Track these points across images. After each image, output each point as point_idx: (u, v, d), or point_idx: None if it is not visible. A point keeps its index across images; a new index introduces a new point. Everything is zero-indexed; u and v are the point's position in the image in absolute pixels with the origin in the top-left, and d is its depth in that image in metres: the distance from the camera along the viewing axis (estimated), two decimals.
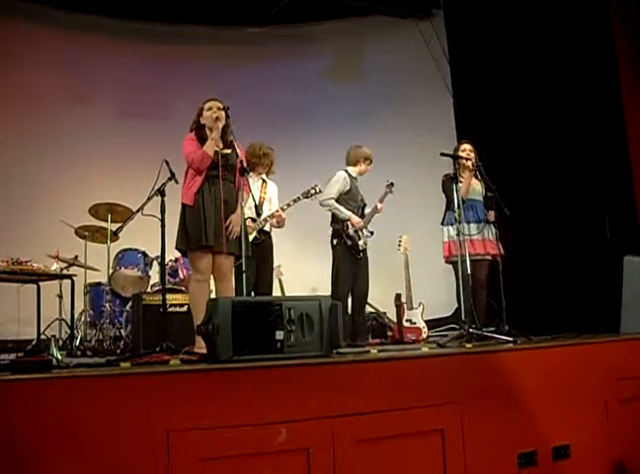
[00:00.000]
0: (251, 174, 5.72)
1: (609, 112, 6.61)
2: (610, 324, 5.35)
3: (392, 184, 6.68)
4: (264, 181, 6.22)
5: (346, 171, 6.49)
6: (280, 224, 6.13)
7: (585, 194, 6.65)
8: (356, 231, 6.30)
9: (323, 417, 3.18)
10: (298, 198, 6.13)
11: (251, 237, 5.85)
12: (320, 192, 6.20)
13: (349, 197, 6.43)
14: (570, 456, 3.88)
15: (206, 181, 4.73)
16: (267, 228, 6.14)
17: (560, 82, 7.06)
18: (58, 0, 8.92)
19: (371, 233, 6.45)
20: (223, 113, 4.83)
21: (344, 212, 6.34)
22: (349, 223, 6.32)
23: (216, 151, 4.74)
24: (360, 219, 6.36)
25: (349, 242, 6.29)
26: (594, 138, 6.71)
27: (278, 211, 6.03)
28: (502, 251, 5.86)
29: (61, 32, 8.99)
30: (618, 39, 6.60)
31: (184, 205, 4.74)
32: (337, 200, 6.37)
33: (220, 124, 4.78)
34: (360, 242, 6.30)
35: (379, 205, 6.55)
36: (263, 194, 6.14)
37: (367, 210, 6.54)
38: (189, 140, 4.85)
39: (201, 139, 4.81)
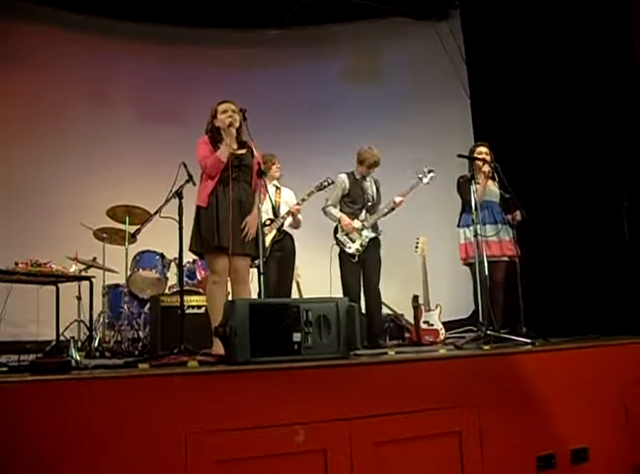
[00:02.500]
0: None
1: (628, 112, 6.56)
2: (631, 326, 5.31)
3: (431, 171, 6.48)
4: (277, 187, 6.29)
5: (348, 173, 6.48)
6: (296, 224, 6.20)
7: (603, 195, 6.61)
8: (347, 234, 6.27)
9: (340, 419, 3.18)
10: (312, 192, 6.17)
11: (271, 236, 5.91)
12: (332, 182, 6.20)
13: (349, 200, 6.41)
14: (589, 459, 3.85)
15: (220, 182, 4.71)
16: (287, 229, 6.19)
17: (578, 82, 7.01)
18: (75, 4, 8.98)
19: (376, 233, 6.35)
20: (237, 115, 4.82)
21: (334, 215, 6.36)
22: (339, 227, 6.32)
23: (230, 152, 4.73)
24: (349, 222, 6.28)
25: (337, 248, 6.32)
26: (612, 139, 6.66)
27: (294, 207, 6.10)
28: (519, 252, 5.83)
29: (78, 36, 9.03)
30: (639, 41, 6.56)
31: (198, 207, 4.75)
32: (341, 203, 6.41)
33: (233, 129, 4.78)
34: (355, 245, 6.25)
35: (398, 199, 6.38)
36: (277, 198, 6.21)
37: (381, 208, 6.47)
38: (202, 144, 4.84)
39: (215, 142, 4.81)
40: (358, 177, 6.47)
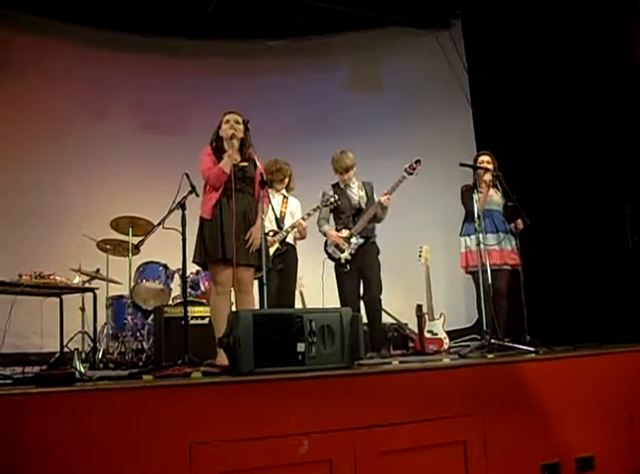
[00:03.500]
0: (270, 190, 5.63)
1: (630, 119, 6.57)
2: (634, 334, 5.30)
3: (417, 162, 6.22)
4: (284, 197, 6.29)
5: (333, 184, 6.43)
6: (302, 235, 6.19)
7: (606, 202, 6.61)
8: (336, 246, 6.23)
9: (345, 428, 3.18)
10: (318, 207, 6.17)
11: (273, 249, 5.91)
12: (338, 199, 6.20)
13: (338, 211, 6.35)
14: (594, 468, 3.84)
15: (224, 194, 4.72)
16: (290, 240, 6.18)
17: (580, 89, 7.03)
18: (74, 15, 9.00)
19: (365, 238, 6.21)
20: (241, 126, 4.83)
21: (322, 231, 6.36)
22: (328, 240, 6.33)
23: (234, 164, 4.74)
24: (335, 234, 6.26)
25: (331, 260, 6.31)
26: (614, 146, 6.67)
27: (298, 221, 6.08)
28: (521, 261, 5.83)
29: (79, 47, 9.06)
30: (639, 46, 6.58)
31: (201, 219, 4.76)
32: (333, 216, 6.40)
33: (236, 141, 4.79)
34: (344, 254, 6.18)
35: (383, 199, 6.21)
36: (284, 208, 6.20)
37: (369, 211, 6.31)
38: (205, 155, 4.86)
39: (219, 152, 4.83)
40: (342, 186, 6.41)
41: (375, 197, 6.37)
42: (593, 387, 4.00)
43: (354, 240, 6.20)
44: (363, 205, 6.36)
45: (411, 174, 6.27)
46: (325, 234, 6.34)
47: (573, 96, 7.11)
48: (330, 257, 6.31)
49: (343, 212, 6.35)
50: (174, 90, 9.40)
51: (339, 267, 6.25)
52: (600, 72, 6.85)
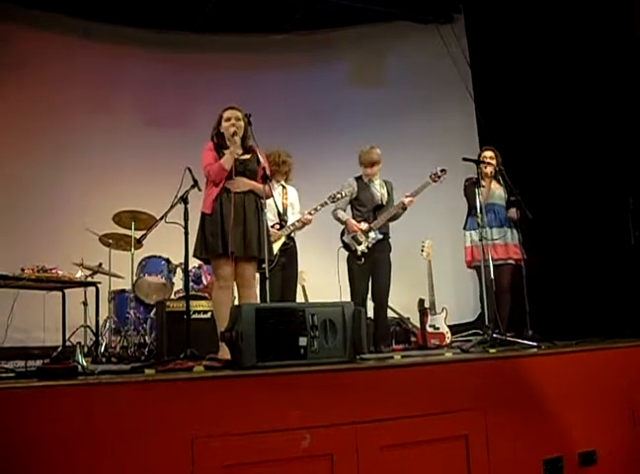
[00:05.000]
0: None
1: (632, 114, 6.55)
2: (636, 328, 5.30)
3: (443, 171, 6.30)
4: (283, 187, 6.29)
5: (357, 177, 6.47)
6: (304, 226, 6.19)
7: (609, 198, 6.59)
8: (353, 237, 6.26)
9: (347, 423, 3.18)
10: (325, 203, 6.15)
11: (280, 243, 5.90)
12: (346, 195, 6.21)
13: (358, 203, 6.41)
14: (596, 463, 3.84)
15: (225, 188, 4.72)
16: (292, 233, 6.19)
17: (583, 83, 7.01)
18: (78, 10, 8.98)
19: (384, 234, 6.29)
20: (241, 123, 4.82)
21: (341, 219, 6.38)
22: (345, 230, 6.35)
23: (235, 158, 4.72)
24: (356, 224, 6.29)
25: (346, 250, 6.33)
26: (617, 141, 6.65)
27: (306, 217, 6.06)
28: (525, 255, 5.83)
29: (82, 42, 9.04)
30: None
31: (202, 214, 4.75)
32: (351, 207, 6.44)
33: (237, 138, 4.77)
34: (361, 247, 6.21)
35: (407, 200, 6.29)
36: (284, 200, 6.20)
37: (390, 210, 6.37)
38: (207, 151, 4.85)
39: (220, 147, 4.82)
40: (365, 180, 6.46)
41: (394, 196, 6.45)
42: (595, 382, 4.00)
43: (372, 234, 6.25)
44: (384, 202, 6.43)
45: (435, 181, 6.33)
46: (344, 222, 6.36)
47: (576, 90, 7.08)
48: (345, 246, 6.33)
49: (364, 206, 6.40)
50: (176, 84, 9.40)
51: (354, 258, 6.28)
52: (604, 66, 6.82)
